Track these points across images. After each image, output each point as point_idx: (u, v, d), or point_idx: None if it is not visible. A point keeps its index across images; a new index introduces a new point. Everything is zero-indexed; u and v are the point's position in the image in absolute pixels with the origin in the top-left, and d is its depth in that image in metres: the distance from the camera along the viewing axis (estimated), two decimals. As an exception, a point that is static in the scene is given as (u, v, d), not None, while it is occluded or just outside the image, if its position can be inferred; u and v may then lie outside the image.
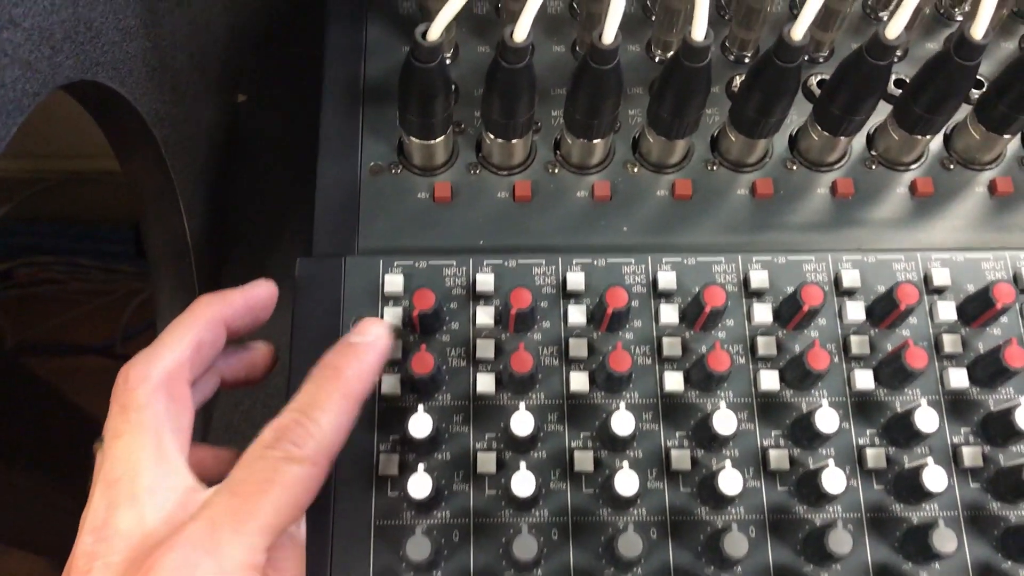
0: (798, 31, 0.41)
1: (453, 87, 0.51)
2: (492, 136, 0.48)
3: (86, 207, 1.46)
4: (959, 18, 0.54)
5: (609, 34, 0.41)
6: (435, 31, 0.41)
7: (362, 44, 0.53)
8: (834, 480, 0.39)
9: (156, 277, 0.57)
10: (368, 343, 0.39)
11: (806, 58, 0.52)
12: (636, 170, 0.50)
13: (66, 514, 0.93)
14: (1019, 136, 0.50)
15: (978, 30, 0.42)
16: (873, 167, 0.50)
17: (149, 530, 0.35)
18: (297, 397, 0.37)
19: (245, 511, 0.34)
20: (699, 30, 0.41)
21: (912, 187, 0.49)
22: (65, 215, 1.50)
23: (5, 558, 1.25)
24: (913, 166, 0.50)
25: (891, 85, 0.51)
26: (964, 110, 0.49)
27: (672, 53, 0.52)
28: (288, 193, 0.67)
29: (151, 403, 0.37)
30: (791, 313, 0.43)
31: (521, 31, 0.41)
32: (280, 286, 0.46)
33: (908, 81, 0.51)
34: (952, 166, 0.50)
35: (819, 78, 0.52)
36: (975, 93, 0.51)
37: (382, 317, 0.44)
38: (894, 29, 0.41)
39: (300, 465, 0.35)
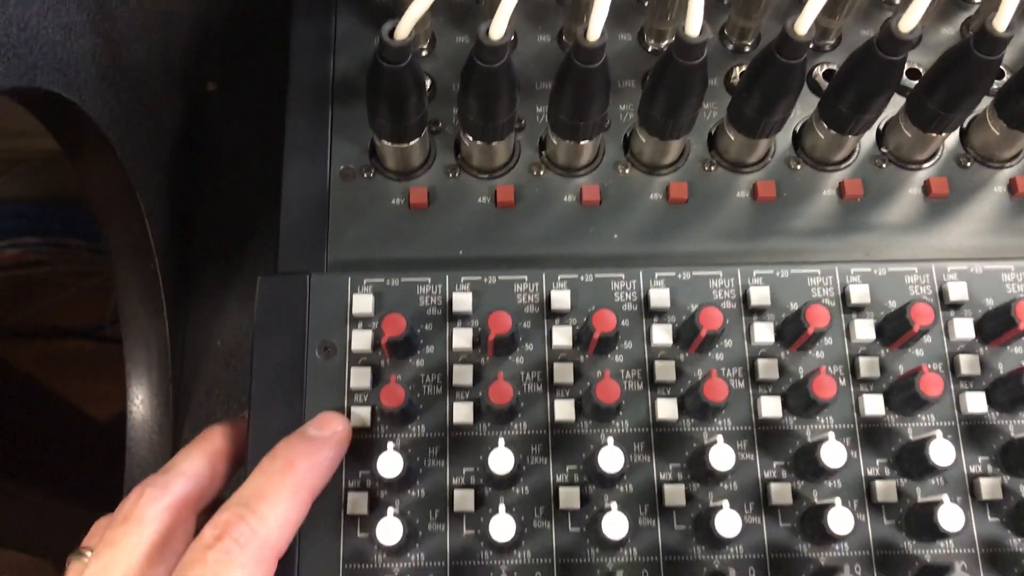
0: (802, 25, 0.38)
1: (428, 83, 0.47)
2: (471, 138, 0.44)
3: (72, 186, 1.42)
4: (977, 0, 0.50)
5: (595, 31, 0.37)
6: (403, 29, 0.38)
7: (331, 37, 0.49)
8: (841, 520, 0.35)
9: (119, 285, 0.54)
10: (325, 438, 0.37)
11: (811, 46, 0.48)
12: (627, 171, 0.46)
13: (43, 510, 0.90)
14: (1042, 131, 0.46)
15: (1001, 22, 0.38)
16: (884, 166, 0.46)
17: None
18: (242, 488, 0.35)
19: None
20: (693, 25, 0.37)
21: (925, 187, 0.45)
22: (51, 195, 1.46)
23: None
24: (927, 164, 0.46)
25: (904, 76, 0.47)
26: (983, 102, 0.45)
27: (665, 47, 0.48)
28: (262, 189, 0.63)
29: (156, 522, 0.36)
30: (794, 334, 0.39)
31: (498, 28, 0.37)
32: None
33: (922, 73, 0.48)
34: (969, 164, 0.46)
35: (825, 68, 0.48)
36: (995, 84, 0.47)
37: (350, 340, 0.40)
38: (908, 22, 0.38)
39: (243, 568, 0.33)
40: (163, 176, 0.55)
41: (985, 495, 0.38)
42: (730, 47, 0.49)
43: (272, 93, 0.55)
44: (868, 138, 0.47)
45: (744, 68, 0.48)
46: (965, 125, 0.46)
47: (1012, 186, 0.46)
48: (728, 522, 0.35)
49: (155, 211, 0.53)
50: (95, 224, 0.53)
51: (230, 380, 0.58)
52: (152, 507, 0.36)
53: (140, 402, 0.55)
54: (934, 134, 0.44)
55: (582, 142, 0.44)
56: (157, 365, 0.55)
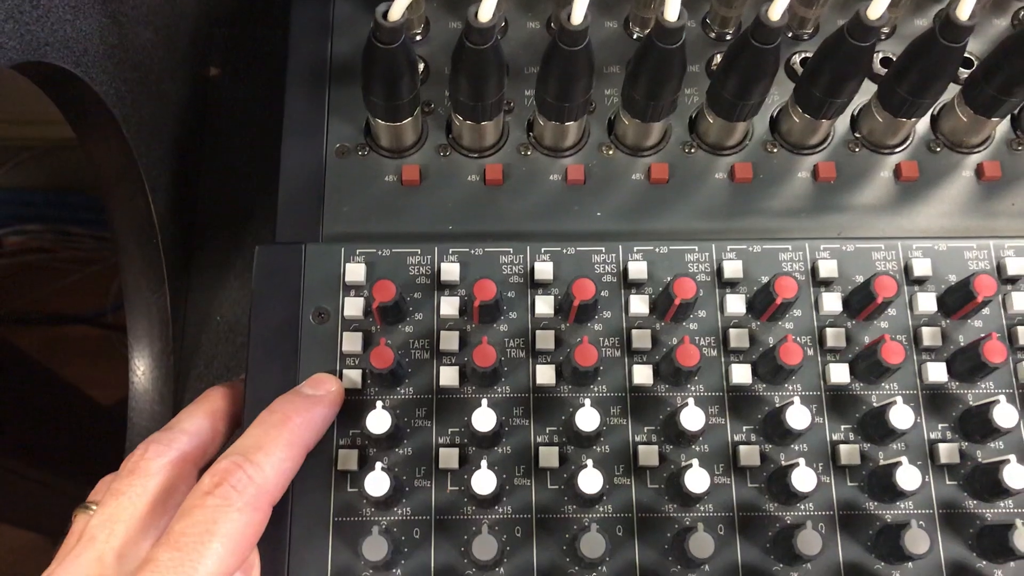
0: (775, 11, 0.40)
1: (421, 66, 0.49)
2: (461, 118, 0.46)
3: (76, 174, 1.45)
4: (950, -7, 0.52)
5: (578, 15, 0.39)
6: (396, 11, 0.40)
7: (329, 20, 0.51)
8: (805, 479, 0.38)
9: (123, 258, 0.56)
10: (319, 396, 0.39)
11: (790, 35, 0.50)
12: (611, 153, 0.48)
13: (46, 488, 0.92)
14: (1008, 119, 0.48)
15: (964, 11, 0.40)
16: (857, 150, 0.48)
17: None
18: (241, 440, 0.37)
19: (188, 566, 0.33)
20: (672, 10, 0.39)
21: (896, 171, 0.47)
22: (55, 183, 1.48)
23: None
24: (898, 149, 0.48)
25: (877, 64, 0.50)
26: (952, 90, 0.47)
27: (646, 33, 0.50)
28: (261, 170, 0.65)
29: (160, 475, 0.37)
30: (765, 304, 0.41)
31: (486, 11, 0.39)
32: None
33: (896, 60, 0.50)
34: (939, 149, 0.48)
35: (802, 56, 0.50)
36: (964, 72, 0.49)
37: (343, 307, 0.42)
38: (876, 9, 0.40)
39: (240, 512, 0.35)
40: (166, 154, 0.57)
41: (943, 459, 0.40)
42: (712, 35, 0.51)
43: (272, 78, 0.58)
44: (842, 123, 0.49)
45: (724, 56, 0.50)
46: (936, 112, 0.48)
47: (979, 171, 0.47)
48: (697, 479, 0.37)
49: (158, 187, 0.55)
50: (101, 199, 0.55)
51: (229, 353, 0.60)
52: (156, 461, 0.38)
53: (141, 373, 0.57)
54: (904, 119, 0.46)
55: (567, 123, 0.46)
56: (158, 337, 0.57)
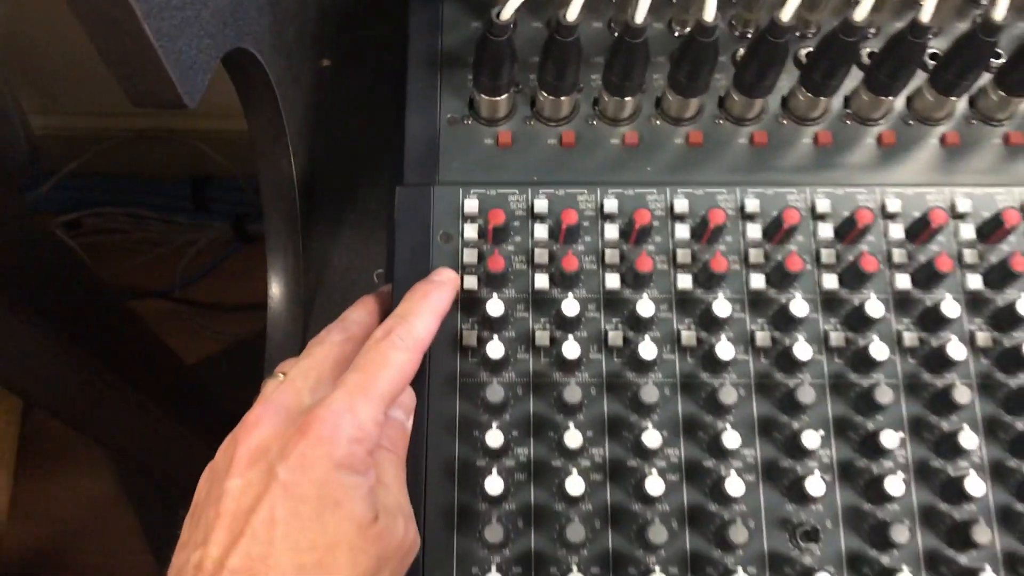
0: (786, 14, 0.54)
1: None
2: (546, 94, 0.61)
3: (149, 163, 1.61)
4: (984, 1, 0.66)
5: (640, 16, 0.54)
6: (507, 12, 0.54)
7: (439, 20, 0.66)
8: (803, 351, 0.52)
9: (267, 208, 0.71)
10: (444, 280, 0.54)
11: (797, 34, 0.65)
12: (658, 123, 0.63)
13: (147, 415, 1.08)
14: (965, 98, 0.62)
15: (925, 15, 0.54)
16: (848, 123, 0.62)
17: (304, 403, 0.48)
18: (397, 309, 0.52)
19: (369, 383, 0.46)
20: (709, 13, 0.54)
21: (878, 139, 0.62)
22: (129, 170, 1.65)
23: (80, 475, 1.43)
24: (880, 122, 0.62)
25: (864, 56, 0.64)
26: (922, 77, 0.61)
27: (688, 30, 0.65)
28: (367, 142, 0.80)
29: (340, 346, 0.51)
30: (775, 230, 0.56)
31: (573, 12, 0.54)
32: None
33: (877, 53, 0.64)
34: (911, 122, 0.62)
35: (806, 51, 0.65)
36: (931, 63, 0.63)
37: (463, 231, 0.57)
38: (860, 13, 0.54)
39: (404, 352, 0.48)
40: (301, 129, 0.72)
41: (907, 344, 0.55)
42: (736, 33, 0.65)
43: (374, 68, 0.73)
44: (837, 102, 0.63)
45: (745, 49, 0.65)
46: (910, 93, 0.63)
47: (943, 139, 0.61)
48: (726, 350, 0.52)
49: (297, 152, 0.70)
50: (253, 158, 0.70)
51: (345, 288, 0.75)
52: (336, 337, 0.52)
53: (278, 300, 0.72)
54: (884, 98, 0.60)
55: (626, 99, 0.60)
56: (292, 269, 0.72)
